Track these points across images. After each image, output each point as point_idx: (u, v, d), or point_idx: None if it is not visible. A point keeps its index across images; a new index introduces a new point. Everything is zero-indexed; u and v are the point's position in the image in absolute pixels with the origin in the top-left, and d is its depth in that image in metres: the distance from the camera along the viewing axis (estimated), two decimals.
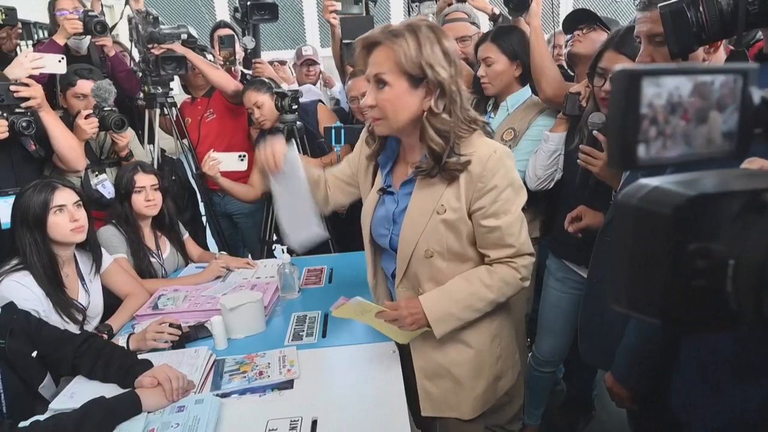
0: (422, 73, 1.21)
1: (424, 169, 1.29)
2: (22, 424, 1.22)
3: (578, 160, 1.71)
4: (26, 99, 2.08)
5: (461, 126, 1.27)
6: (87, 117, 2.33)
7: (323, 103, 2.98)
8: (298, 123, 2.61)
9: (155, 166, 2.66)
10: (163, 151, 3.05)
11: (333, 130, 2.49)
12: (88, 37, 2.82)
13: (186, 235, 2.46)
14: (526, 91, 2.17)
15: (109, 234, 2.13)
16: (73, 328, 1.75)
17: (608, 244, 1.49)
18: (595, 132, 1.69)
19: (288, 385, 1.46)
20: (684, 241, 0.34)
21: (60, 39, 2.63)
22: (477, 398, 1.44)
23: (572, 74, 2.36)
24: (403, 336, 1.44)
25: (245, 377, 1.50)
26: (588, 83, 1.85)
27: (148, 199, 2.18)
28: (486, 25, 2.98)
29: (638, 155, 0.33)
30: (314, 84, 3.91)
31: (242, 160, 2.66)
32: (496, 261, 1.35)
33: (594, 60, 1.76)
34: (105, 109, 2.39)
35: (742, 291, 0.34)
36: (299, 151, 2.70)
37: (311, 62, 3.92)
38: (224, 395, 1.43)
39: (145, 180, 2.18)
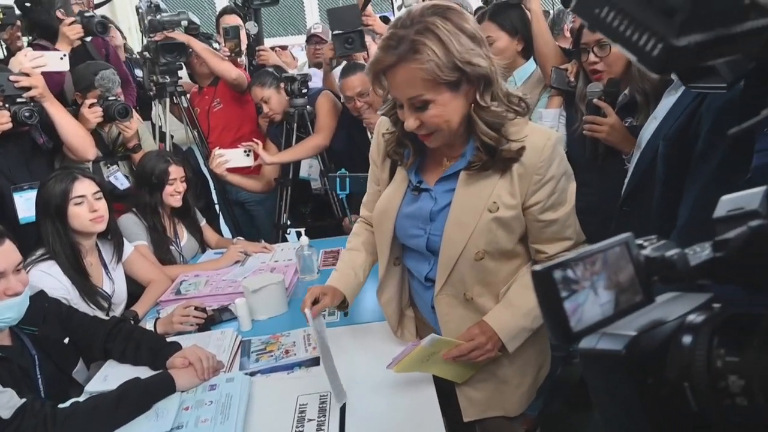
0: (461, 74, 1.07)
1: (477, 164, 1.17)
2: (61, 405, 1.26)
3: (584, 132, 1.75)
4: (28, 89, 2.08)
5: (509, 109, 1.15)
6: (91, 106, 2.32)
7: (329, 92, 2.84)
8: (308, 107, 2.62)
9: None
10: (172, 136, 3.07)
11: (338, 179, 2.44)
12: None
13: (203, 222, 2.50)
14: (531, 64, 2.18)
15: (130, 222, 2.16)
16: (100, 316, 1.78)
17: (628, 215, 1.51)
18: (595, 100, 1.74)
19: (315, 362, 1.49)
20: (643, 375, 0.41)
21: (64, 47, 2.50)
22: (523, 394, 1.39)
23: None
24: (465, 373, 1.35)
25: (272, 356, 1.53)
26: (575, 62, 1.90)
27: (177, 190, 2.24)
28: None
29: (573, 330, 0.40)
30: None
31: (248, 155, 2.66)
32: (553, 257, 1.21)
33: (575, 38, 1.83)
34: (109, 98, 2.38)
35: (706, 407, 0.40)
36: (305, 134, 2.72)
37: (319, 40, 3.47)
38: (253, 374, 1.46)
39: (176, 172, 2.23)
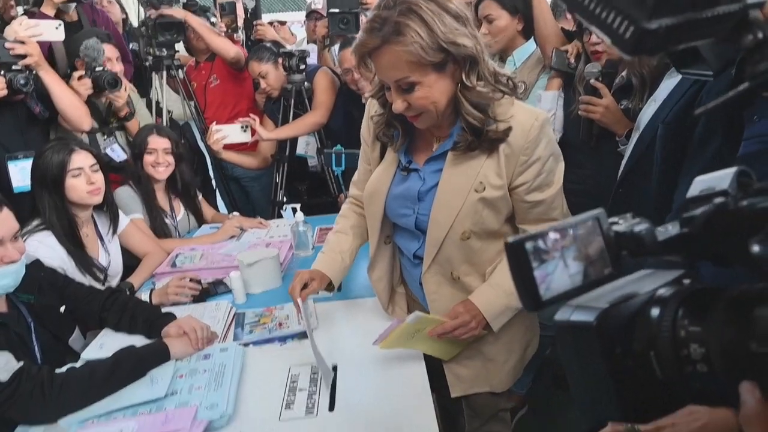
0: (447, 54, 1.06)
1: (463, 144, 1.17)
2: (58, 370, 1.29)
3: (579, 112, 1.76)
4: (23, 57, 2.07)
5: (495, 89, 1.14)
6: (80, 78, 2.30)
7: (328, 69, 2.82)
8: (306, 84, 2.62)
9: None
10: (170, 112, 3.06)
11: (333, 155, 2.45)
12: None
13: (199, 197, 2.51)
14: (531, 44, 2.18)
15: (125, 195, 2.17)
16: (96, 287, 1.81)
17: (624, 197, 1.53)
18: (592, 81, 1.75)
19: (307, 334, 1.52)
20: (612, 346, 0.44)
21: (48, 9, 2.51)
22: (510, 371, 1.41)
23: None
24: (451, 351, 1.37)
25: (266, 328, 1.56)
26: (576, 43, 1.91)
27: (158, 161, 2.22)
28: None
29: (542, 297, 0.41)
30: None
31: (245, 130, 2.65)
32: None
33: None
34: (96, 69, 2.35)
35: (670, 374, 0.42)
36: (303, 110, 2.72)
37: (319, 16, 3.33)
38: (246, 345, 1.49)
39: (158, 142, 2.21)
